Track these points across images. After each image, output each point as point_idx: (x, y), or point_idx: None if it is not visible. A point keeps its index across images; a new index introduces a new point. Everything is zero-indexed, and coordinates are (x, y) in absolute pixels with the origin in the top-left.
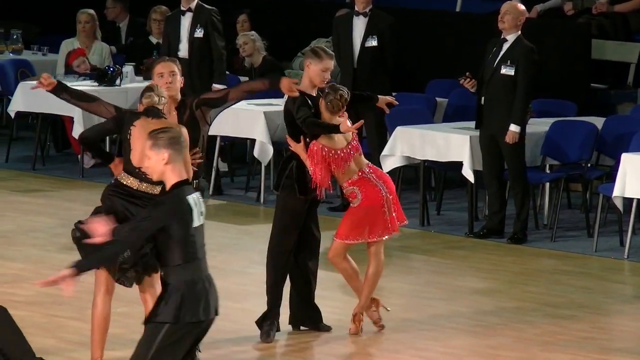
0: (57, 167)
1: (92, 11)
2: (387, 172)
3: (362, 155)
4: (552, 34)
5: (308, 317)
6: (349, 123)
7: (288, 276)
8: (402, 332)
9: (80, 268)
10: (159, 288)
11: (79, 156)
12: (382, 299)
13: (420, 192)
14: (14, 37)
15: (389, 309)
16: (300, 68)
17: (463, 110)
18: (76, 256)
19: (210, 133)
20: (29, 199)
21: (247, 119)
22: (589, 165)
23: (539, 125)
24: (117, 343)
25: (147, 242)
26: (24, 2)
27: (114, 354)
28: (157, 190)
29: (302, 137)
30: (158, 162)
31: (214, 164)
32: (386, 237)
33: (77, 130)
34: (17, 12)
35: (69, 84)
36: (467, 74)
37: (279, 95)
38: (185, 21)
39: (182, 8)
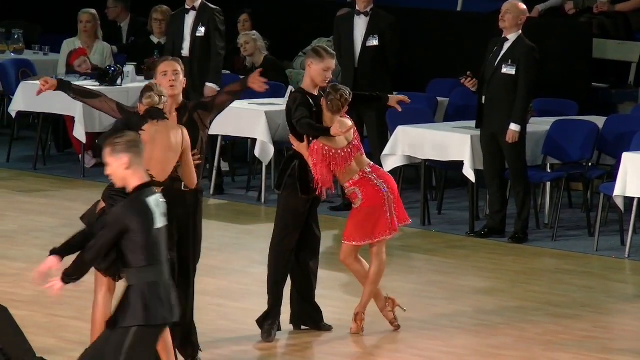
0: (58, 167)
1: (93, 11)
2: (388, 172)
3: (364, 155)
4: (553, 34)
5: (309, 317)
6: (350, 121)
7: (289, 275)
8: (404, 332)
9: (65, 281)
10: None
11: (80, 156)
12: None
13: (421, 191)
14: (15, 36)
15: (405, 309)
16: (301, 68)
17: (464, 109)
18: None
19: (211, 132)
20: (30, 198)
21: (249, 119)
22: (590, 164)
23: (540, 125)
24: None
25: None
26: (25, 2)
27: None
28: (157, 190)
29: (305, 137)
30: (119, 168)
31: (215, 164)
32: (388, 237)
33: (78, 130)
34: (19, 12)
35: None
36: (468, 73)
37: (281, 94)
38: (189, 19)
39: (187, 7)
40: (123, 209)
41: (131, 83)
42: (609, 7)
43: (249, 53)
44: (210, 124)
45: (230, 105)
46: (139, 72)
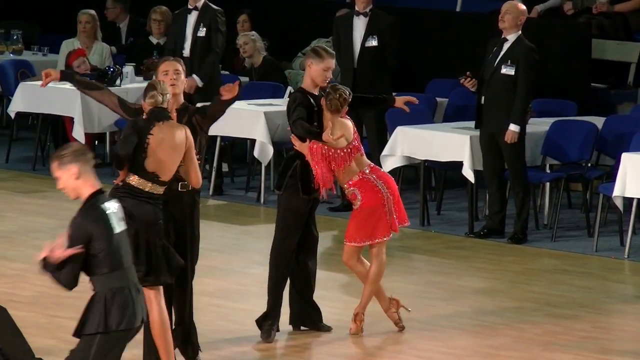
0: None
1: (92, 11)
2: (388, 172)
3: (364, 156)
4: (553, 34)
5: (308, 317)
6: (350, 122)
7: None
8: (403, 332)
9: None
10: (161, 287)
11: None
12: None
13: (420, 192)
14: (14, 37)
15: (409, 309)
16: (300, 68)
17: (463, 110)
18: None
19: (210, 133)
20: (29, 199)
21: (248, 119)
22: (589, 165)
23: (539, 125)
24: None
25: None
26: (24, 2)
27: None
28: (160, 190)
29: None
30: (69, 179)
31: (214, 164)
32: (388, 238)
33: (77, 131)
34: (18, 12)
35: (69, 86)
36: (468, 73)
37: (280, 95)
38: (191, 19)
39: (189, 6)
40: (81, 219)
41: (130, 84)
42: (608, 8)
43: (248, 54)
44: (208, 129)
45: (230, 106)
46: (137, 72)
